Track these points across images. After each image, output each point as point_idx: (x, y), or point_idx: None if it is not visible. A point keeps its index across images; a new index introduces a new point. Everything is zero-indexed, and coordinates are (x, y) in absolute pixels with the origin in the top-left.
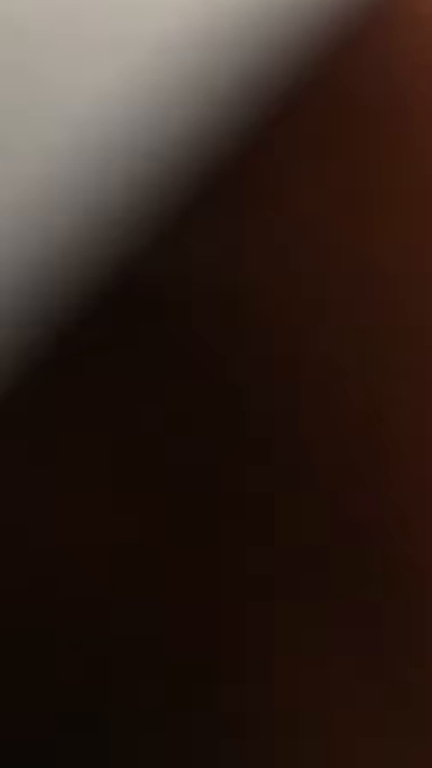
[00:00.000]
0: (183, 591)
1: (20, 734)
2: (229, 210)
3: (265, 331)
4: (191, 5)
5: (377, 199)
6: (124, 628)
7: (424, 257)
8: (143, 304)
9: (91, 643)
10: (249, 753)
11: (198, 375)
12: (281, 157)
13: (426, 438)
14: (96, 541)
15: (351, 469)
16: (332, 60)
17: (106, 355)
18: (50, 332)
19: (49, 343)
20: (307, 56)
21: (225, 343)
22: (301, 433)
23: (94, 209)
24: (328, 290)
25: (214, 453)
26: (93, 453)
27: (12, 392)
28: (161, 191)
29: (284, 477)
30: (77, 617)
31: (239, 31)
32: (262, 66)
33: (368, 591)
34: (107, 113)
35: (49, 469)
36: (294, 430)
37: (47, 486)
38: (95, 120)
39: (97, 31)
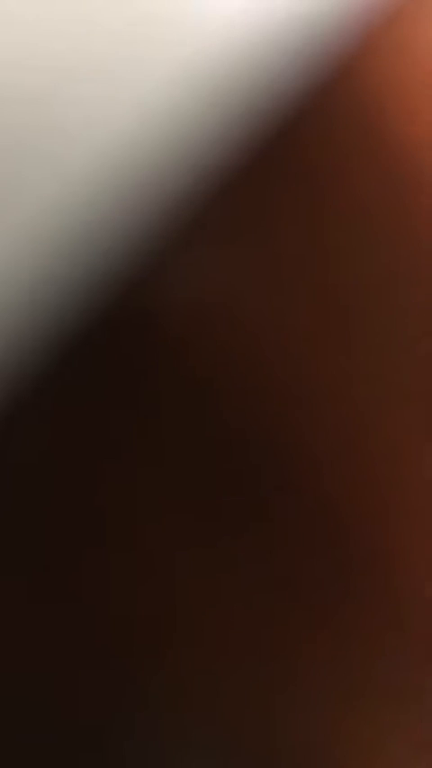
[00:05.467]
0: (180, 592)
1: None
2: (226, 235)
3: (262, 352)
4: (187, 39)
5: (370, 224)
6: (122, 627)
7: (414, 281)
8: (140, 328)
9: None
10: (249, 756)
11: (193, 390)
12: (277, 182)
13: (414, 445)
14: (94, 554)
15: (345, 476)
16: (329, 89)
17: (103, 378)
18: (47, 355)
19: (46, 365)
20: (304, 85)
21: (221, 364)
22: (296, 446)
23: (89, 234)
24: (324, 312)
25: (211, 465)
26: (90, 470)
27: (8, 413)
28: (157, 217)
29: (279, 484)
30: (76, 617)
31: (234, 62)
32: (257, 95)
33: (360, 593)
34: (104, 140)
35: (46, 484)
36: (290, 442)
37: (44, 498)
38: (93, 149)
39: (101, 59)
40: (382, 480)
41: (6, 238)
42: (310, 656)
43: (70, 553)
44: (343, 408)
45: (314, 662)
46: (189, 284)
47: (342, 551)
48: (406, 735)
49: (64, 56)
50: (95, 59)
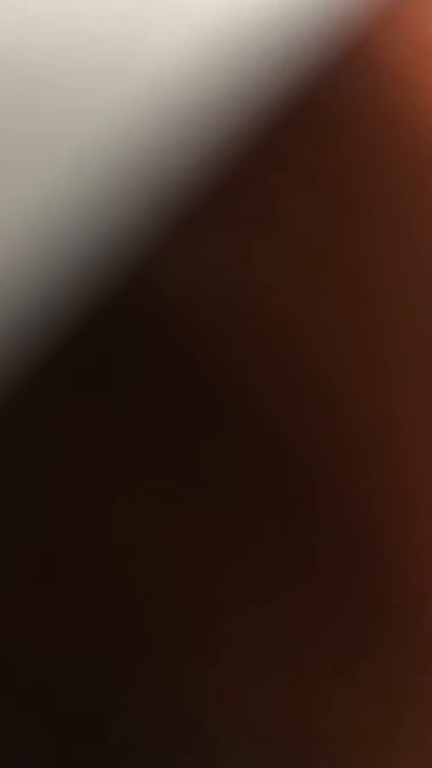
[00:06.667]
0: (180, 589)
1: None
2: (229, 225)
3: (268, 339)
4: (188, 33)
5: (373, 211)
6: (121, 623)
7: (415, 269)
8: (140, 321)
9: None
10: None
11: (199, 380)
12: (280, 171)
13: (427, 439)
14: (94, 547)
15: (352, 470)
16: (332, 83)
17: (108, 370)
18: (50, 346)
19: (49, 357)
20: (306, 78)
21: (228, 353)
22: (303, 434)
23: (91, 225)
24: (329, 299)
25: (217, 454)
26: (90, 466)
27: (12, 403)
28: (160, 206)
29: (284, 477)
30: (77, 615)
31: (237, 53)
32: (260, 83)
33: (365, 593)
34: (106, 130)
35: (46, 480)
36: (296, 430)
37: (47, 494)
38: (95, 137)
39: (103, 41)
40: (391, 477)
41: (4, 231)
42: (314, 651)
43: (70, 551)
44: (349, 402)
45: (316, 658)
46: (192, 272)
47: (347, 544)
48: (414, 732)
49: (65, 40)
50: (97, 42)
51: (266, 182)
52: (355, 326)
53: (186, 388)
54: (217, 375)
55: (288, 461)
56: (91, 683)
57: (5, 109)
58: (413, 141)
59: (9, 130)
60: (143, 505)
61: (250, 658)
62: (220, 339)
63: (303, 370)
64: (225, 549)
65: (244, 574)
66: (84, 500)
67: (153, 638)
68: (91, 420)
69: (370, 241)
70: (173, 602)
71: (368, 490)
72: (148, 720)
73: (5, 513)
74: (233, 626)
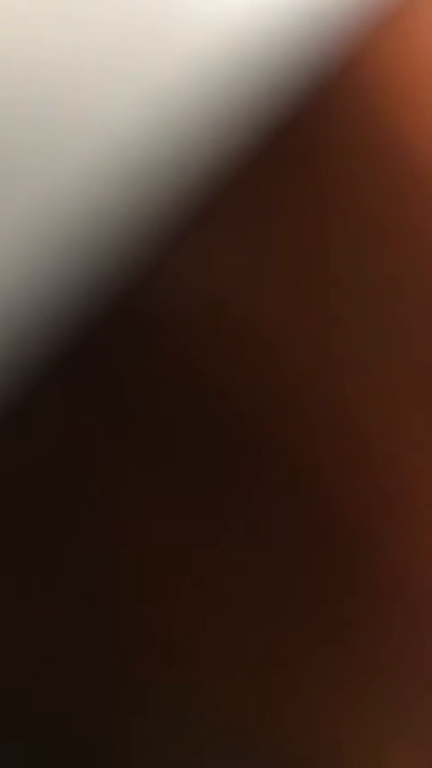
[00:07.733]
0: (179, 590)
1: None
2: (228, 232)
3: (266, 348)
4: (189, 35)
5: (373, 219)
6: (120, 624)
7: (412, 281)
8: (141, 327)
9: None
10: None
11: (197, 387)
12: (278, 179)
13: (420, 437)
14: (95, 552)
15: (347, 467)
16: (331, 84)
17: (107, 378)
18: (50, 355)
19: (50, 366)
20: (306, 80)
21: (225, 362)
22: (300, 436)
23: (91, 236)
24: (325, 311)
25: (213, 463)
26: (91, 470)
27: (13, 410)
28: (158, 219)
29: (281, 479)
30: (75, 615)
31: (234, 66)
32: (260, 91)
33: (364, 589)
34: (106, 144)
35: (46, 484)
36: (294, 434)
37: (48, 499)
38: (94, 151)
39: (103, 53)
40: (386, 479)
41: (6, 236)
42: (313, 652)
43: (70, 553)
44: (346, 405)
45: (317, 658)
46: (190, 283)
47: (342, 540)
48: (411, 731)
49: (65, 51)
50: (97, 54)
51: (263, 196)
52: (349, 335)
53: (184, 395)
54: (214, 383)
55: (285, 463)
56: (91, 683)
57: (6, 123)
58: (408, 153)
59: (10, 143)
60: (142, 509)
61: (250, 657)
62: (217, 348)
63: (300, 377)
64: (223, 548)
65: (241, 572)
66: (83, 503)
67: (152, 637)
68: (90, 426)
69: (366, 252)
70: (172, 602)
71: (363, 487)
72: (148, 720)
73: (6, 515)
74: (232, 624)
